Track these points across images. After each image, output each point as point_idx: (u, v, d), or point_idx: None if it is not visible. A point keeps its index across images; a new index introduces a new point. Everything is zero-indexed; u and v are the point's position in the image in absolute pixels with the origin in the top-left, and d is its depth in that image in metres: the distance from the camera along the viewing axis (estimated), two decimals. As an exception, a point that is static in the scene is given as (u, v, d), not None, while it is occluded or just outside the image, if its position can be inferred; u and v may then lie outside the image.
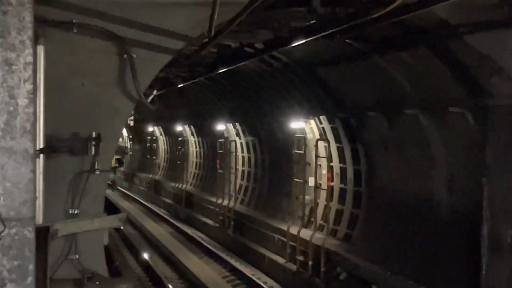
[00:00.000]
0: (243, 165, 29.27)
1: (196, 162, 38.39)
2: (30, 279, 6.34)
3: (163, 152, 47.67)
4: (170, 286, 21.08)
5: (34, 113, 6.43)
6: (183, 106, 36.95)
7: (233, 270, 23.57)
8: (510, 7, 10.71)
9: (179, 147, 41.75)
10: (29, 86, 6.33)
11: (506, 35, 11.43)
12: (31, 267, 6.36)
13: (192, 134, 38.28)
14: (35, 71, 7.05)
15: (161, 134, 47.73)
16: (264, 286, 20.58)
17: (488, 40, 11.71)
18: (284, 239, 21.91)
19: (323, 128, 19.95)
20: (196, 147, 38.29)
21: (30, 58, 6.36)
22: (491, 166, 12.69)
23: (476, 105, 12.78)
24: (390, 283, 15.35)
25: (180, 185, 39.55)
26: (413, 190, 15.82)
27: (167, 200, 41.75)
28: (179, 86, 26.81)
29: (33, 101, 6.43)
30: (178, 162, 41.61)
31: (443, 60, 12.93)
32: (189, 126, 38.19)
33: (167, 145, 46.61)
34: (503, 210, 12.35)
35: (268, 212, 25.72)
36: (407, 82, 14.60)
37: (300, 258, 20.40)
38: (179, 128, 40.03)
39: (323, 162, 20.36)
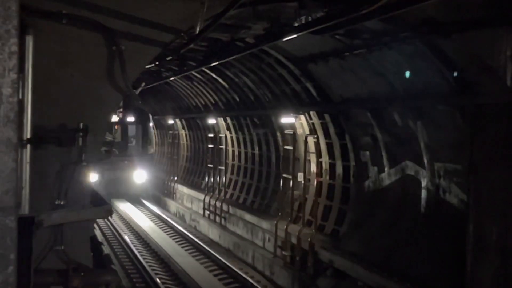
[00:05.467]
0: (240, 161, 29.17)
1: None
2: (11, 268, 6.28)
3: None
4: (158, 280, 21.07)
5: (19, 102, 6.37)
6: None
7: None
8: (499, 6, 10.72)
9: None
10: (13, 76, 6.26)
11: (494, 34, 11.43)
12: (13, 256, 6.29)
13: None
14: (22, 61, 7.01)
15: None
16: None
17: (477, 39, 11.71)
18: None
19: (313, 123, 19.95)
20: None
21: (15, 48, 6.28)
22: (478, 163, 12.71)
23: (464, 103, 12.79)
24: (370, 280, 15.37)
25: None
26: (400, 186, 15.85)
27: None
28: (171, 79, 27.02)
29: (18, 90, 6.37)
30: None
31: (431, 57, 12.93)
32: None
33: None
34: (489, 207, 12.38)
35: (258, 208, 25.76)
36: (396, 79, 14.61)
37: (287, 253, 20.47)
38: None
39: (313, 157, 20.36)
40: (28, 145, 9.25)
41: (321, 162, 19.97)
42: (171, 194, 39.24)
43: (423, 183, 14.77)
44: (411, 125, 14.72)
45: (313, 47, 16.58)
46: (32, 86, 9.25)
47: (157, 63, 22.87)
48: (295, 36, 13.42)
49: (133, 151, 40.52)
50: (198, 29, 10.61)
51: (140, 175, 39.09)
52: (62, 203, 9.96)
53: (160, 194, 40.98)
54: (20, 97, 8.63)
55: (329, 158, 19.59)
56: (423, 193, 14.80)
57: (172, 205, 38.02)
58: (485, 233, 12.40)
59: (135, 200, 40.93)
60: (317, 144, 19.93)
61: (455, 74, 12.70)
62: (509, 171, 11.64)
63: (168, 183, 40.28)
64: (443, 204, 13.94)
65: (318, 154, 19.93)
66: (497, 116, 12.04)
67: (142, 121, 41.22)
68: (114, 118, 39.09)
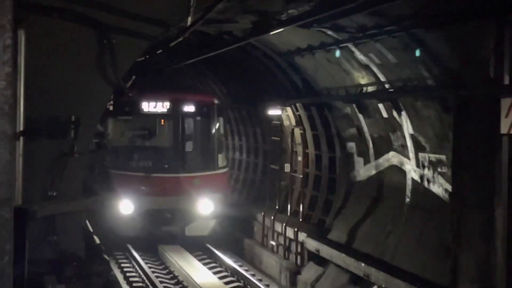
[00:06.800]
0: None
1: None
2: (7, 258, 6.34)
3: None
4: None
5: (13, 95, 6.42)
6: None
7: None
8: None
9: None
10: (7, 69, 6.30)
11: (479, 27, 11.48)
12: (8, 246, 6.35)
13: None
14: (15, 54, 7.04)
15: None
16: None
17: (461, 32, 11.77)
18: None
19: (299, 115, 20.00)
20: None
21: (9, 41, 6.32)
22: (461, 157, 12.82)
23: (448, 95, 12.86)
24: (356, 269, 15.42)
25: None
26: (385, 176, 15.91)
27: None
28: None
29: (12, 83, 6.42)
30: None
31: (415, 50, 13.00)
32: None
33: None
34: (472, 196, 12.44)
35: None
36: (381, 72, 14.68)
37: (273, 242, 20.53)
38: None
39: (299, 149, 20.40)
40: (21, 138, 9.30)
41: (307, 153, 20.03)
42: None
43: (408, 173, 14.84)
44: (396, 116, 14.80)
45: (300, 41, 16.62)
46: (25, 79, 9.31)
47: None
48: (281, 30, 13.49)
49: (193, 163, 22.01)
50: (189, 22, 10.66)
51: (206, 206, 21.22)
52: (54, 194, 10.02)
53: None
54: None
55: (315, 149, 19.66)
56: (408, 183, 14.88)
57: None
58: (468, 221, 12.46)
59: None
60: (303, 135, 20.00)
61: (440, 66, 12.79)
62: (491, 161, 11.69)
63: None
64: (428, 193, 14.00)
65: (305, 146, 20.00)
66: (481, 108, 12.11)
67: (207, 114, 22.32)
68: (158, 108, 21.73)
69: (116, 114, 21.89)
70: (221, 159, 22.33)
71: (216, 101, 22.60)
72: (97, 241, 17.18)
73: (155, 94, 21.98)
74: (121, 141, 22.53)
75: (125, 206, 20.49)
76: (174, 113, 21.54)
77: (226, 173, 23.04)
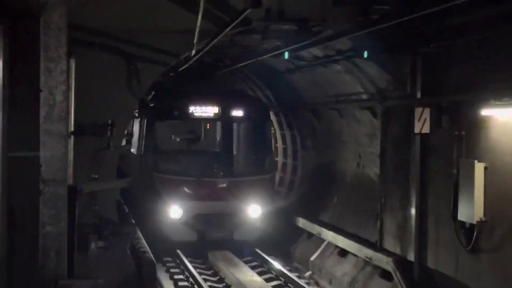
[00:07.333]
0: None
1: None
2: (63, 223, 6.34)
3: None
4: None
5: (67, 106, 6.41)
6: None
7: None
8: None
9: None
10: (63, 87, 6.33)
11: (400, 57, 11.45)
12: (64, 214, 6.35)
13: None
14: (68, 76, 7.00)
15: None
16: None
17: (387, 61, 11.75)
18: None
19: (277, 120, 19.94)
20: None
21: (64, 67, 6.34)
22: (386, 150, 12.83)
23: (377, 106, 12.87)
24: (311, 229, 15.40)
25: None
26: (334, 163, 15.91)
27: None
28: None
29: (67, 97, 6.41)
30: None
31: (355, 73, 13.02)
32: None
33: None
34: (394, 179, 12.46)
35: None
36: (328, 88, 14.69)
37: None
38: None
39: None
40: (72, 136, 9.22)
41: (276, 147, 20.02)
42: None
43: (351, 162, 14.83)
44: (340, 121, 14.81)
45: (274, 66, 16.58)
46: (75, 94, 9.21)
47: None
48: (258, 59, 13.43)
49: (242, 167, 17.08)
50: (193, 53, 10.58)
51: (254, 210, 15.66)
52: (96, 176, 9.93)
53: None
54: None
55: (282, 144, 19.64)
56: (350, 168, 14.88)
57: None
58: (391, 196, 12.51)
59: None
60: (274, 134, 19.93)
61: (371, 85, 12.80)
62: (407, 152, 11.73)
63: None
64: (363, 175, 14.04)
65: (275, 141, 19.95)
66: (399, 115, 12.11)
67: (256, 118, 16.68)
68: (207, 112, 15.97)
69: (165, 118, 15.81)
70: (268, 163, 16.29)
71: (263, 105, 17.47)
72: (127, 210, 16.85)
73: (205, 98, 15.83)
74: (169, 145, 16.77)
75: (174, 211, 14.80)
76: (224, 117, 16.06)
77: (274, 176, 17.01)
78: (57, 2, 6.19)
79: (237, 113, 15.92)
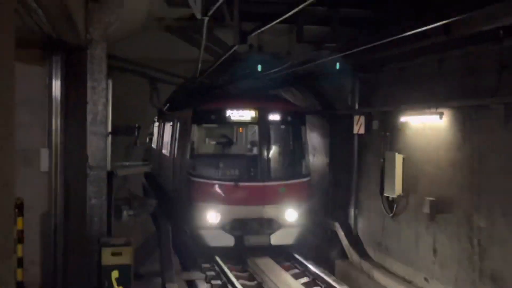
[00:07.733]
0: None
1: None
2: (104, 197, 6.47)
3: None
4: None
5: (107, 114, 6.54)
6: None
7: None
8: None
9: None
10: (103, 100, 6.46)
11: (343, 79, 11.36)
12: (104, 191, 6.48)
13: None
14: (107, 93, 7.12)
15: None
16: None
17: (335, 82, 11.66)
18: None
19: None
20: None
21: (104, 86, 6.48)
22: (333, 142, 12.86)
23: (327, 114, 12.89)
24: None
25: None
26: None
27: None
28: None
29: (106, 108, 6.54)
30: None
31: (311, 91, 13.05)
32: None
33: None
34: (340, 165, 12.57)
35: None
36: (295, 102, 14.69)
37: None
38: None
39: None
40: (109, 135, 9.29)
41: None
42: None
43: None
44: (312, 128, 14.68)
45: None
46: (112, 105, 9.29)
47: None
48: (242, 81, 13.43)
49: (279, 171, 11.99)
50: (197, 75, 10.63)
51: (291, 214, 11.16)
52: (127, 164, 10.00)
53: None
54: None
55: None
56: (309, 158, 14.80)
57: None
58: (338, 178, 12.55)
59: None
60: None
61: (324, 99, 12.83)
62: (349, 147, 11.79)
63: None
64: (316, 163, 14.10)
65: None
66: (342, 120, 12.10)
67: (292, 122, 12.07)
68: (244, 116, 11.52)
69: (202, 122, 11.85)
70: (304, 167, 12.03)
71: (299, 110, 12.58)
72: (149, 189, 16.55)
73: (242, 102, 11.81)
74: (206, 149, 13.28)
75: (211, 216, 10.87)
76: (261, 122, 11.70)
77: (309, 180, 12.11)
78: (100, 40, 6.34)
79: (275, 117, 11.80)
